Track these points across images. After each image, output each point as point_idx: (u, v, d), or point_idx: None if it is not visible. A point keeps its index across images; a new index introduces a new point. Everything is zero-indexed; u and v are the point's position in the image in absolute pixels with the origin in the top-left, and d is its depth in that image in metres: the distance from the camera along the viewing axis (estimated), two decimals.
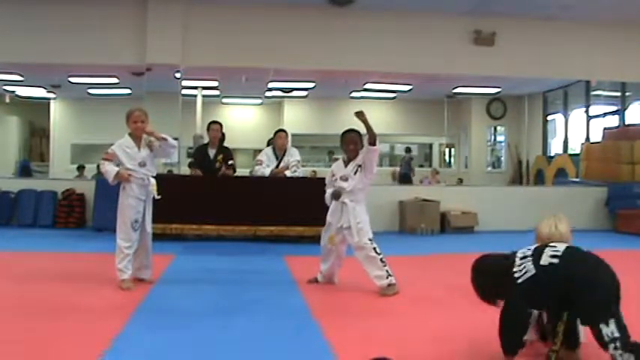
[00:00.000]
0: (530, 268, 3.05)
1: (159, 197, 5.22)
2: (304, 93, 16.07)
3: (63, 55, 9.69)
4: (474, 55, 10.28)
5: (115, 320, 3.95)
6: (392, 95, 16.10)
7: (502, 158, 17.84)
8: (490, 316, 3.21)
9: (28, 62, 10.25)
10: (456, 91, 15.31)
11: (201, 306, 4.54)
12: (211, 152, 8.30)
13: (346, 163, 5.27)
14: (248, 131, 17.13)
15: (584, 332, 3.23)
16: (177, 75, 9.85)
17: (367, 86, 14.24)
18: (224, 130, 8.43)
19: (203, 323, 4.01)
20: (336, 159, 5.87)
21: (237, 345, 3.57)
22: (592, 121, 13.98)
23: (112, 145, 5.21)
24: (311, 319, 4.16)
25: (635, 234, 9.54)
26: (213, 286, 5.29)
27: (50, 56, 9.75)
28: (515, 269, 3.09)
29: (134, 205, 5.10)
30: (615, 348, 2.80)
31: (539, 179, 14.98)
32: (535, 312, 3.15)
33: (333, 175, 5.32)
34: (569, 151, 14.59)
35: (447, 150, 19.99)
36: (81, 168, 14.73)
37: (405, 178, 16.15)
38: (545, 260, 3.03)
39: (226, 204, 7.98)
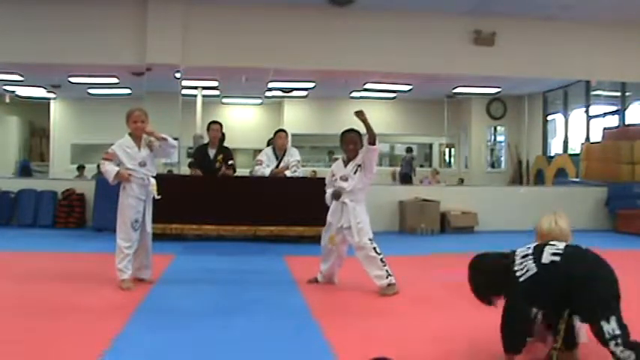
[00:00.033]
0: (531, 267, 3.04)
1: (159, 197, 5.22)
2: (304, 93, 16.06)
3: (63, 55, 9.69)
4: (474, 55, 10.28)
5: (115, 320, 3.95)
6: (392, 95, 16.10)
7: (502, 158, 17.84)
8: (490, 316, 3.21)
9: (28, 62, 10.25)
10: (456, 91, 15.30)
11: (201, 306, 4.54)
12: (211, 152, 8.31)
13: (346, 163, 5.27)
14: (248, 131, 17.11)
15: (584, 332, 3.23)
16: (177, 75, 9.86)
17: (367, 86, 14.23)
18: (224, 130, 8.43)
19: (203, 323, 4.01)
20: (336, 159, 5.87)
21: (237, 345, 3.57)
22: (592, 121, 13.97)
23: (112, 145, 5.21)
24: (311, 319, 4.17)
25: (635, 234, 9.54)
26: (213, 286, 5.29)
27: (50, 56, 9.75)
28: (516, 268, 3.09)
29: (134, 205, 5.11)
30: (616, 344, 2.81)
31: (539, 179, 14.97)
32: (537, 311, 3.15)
33: (333, 175, 5.32)
34: (569, 151, 14.58)
35: (447, 150, 19.99)
36: (81, 168, 14.72)
37: (406, 178, 16.18)
38: (546, 258, 3.03)
39: (226, 204, 7.98)
